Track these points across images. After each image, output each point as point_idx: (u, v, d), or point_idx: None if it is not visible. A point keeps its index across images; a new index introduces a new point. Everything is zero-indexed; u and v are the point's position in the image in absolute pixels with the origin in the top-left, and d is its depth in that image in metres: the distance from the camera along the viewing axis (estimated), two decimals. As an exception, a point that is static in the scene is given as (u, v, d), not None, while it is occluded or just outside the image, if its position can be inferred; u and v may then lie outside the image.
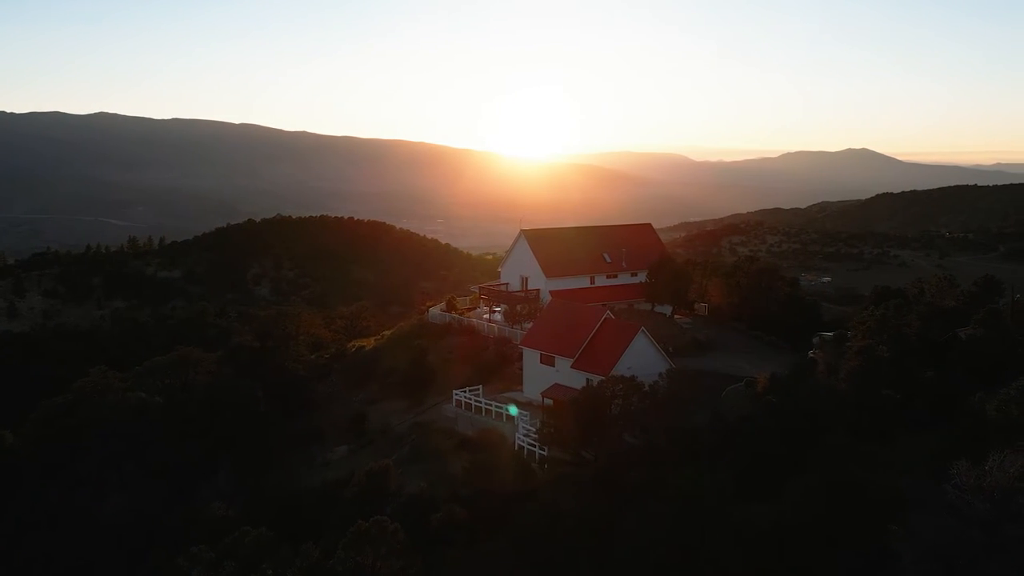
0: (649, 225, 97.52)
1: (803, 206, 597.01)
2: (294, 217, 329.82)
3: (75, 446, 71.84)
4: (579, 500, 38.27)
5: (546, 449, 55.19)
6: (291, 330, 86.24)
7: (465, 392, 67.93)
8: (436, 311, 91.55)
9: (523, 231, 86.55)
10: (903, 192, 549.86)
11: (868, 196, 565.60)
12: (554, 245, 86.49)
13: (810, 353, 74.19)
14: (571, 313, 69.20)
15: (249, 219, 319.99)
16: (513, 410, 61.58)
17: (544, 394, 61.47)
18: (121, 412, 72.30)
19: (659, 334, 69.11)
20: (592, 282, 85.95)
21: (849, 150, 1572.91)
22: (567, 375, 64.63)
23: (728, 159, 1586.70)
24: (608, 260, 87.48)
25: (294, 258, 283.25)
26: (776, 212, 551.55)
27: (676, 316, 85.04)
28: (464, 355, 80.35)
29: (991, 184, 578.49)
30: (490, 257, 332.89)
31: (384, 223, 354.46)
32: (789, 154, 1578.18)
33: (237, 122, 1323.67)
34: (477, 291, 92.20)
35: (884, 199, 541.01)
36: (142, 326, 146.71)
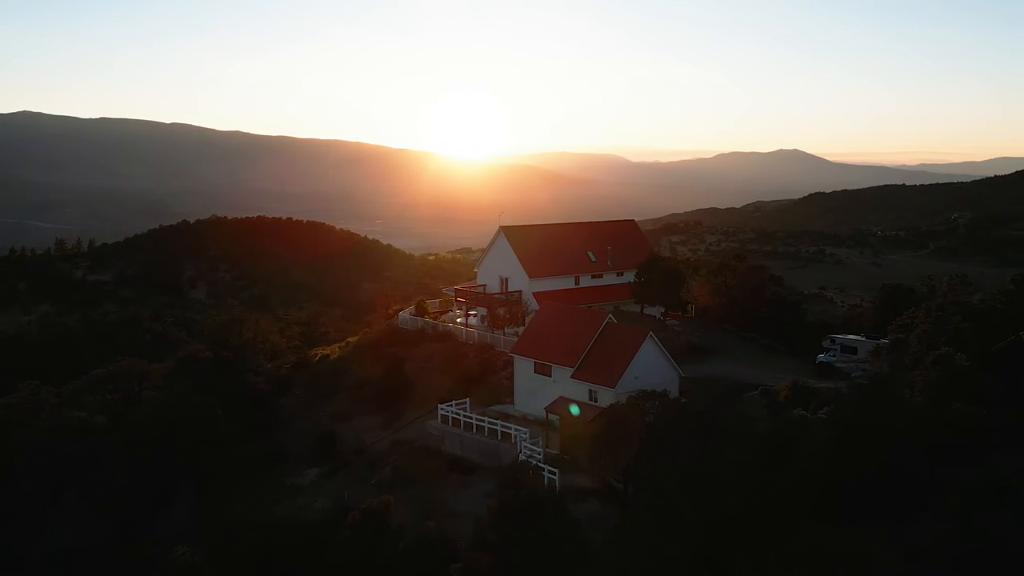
0: (633, 222, 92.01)
1: (738, 206, 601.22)
2: (230, 218, 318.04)
3: (4, 473, 63.29)
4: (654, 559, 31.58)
5: (557, 473, 49.00)
6: (247, 338, 78.10)
7: (452, 407, 61.23)
8: (406, 315, 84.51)
9: (502, 228, 80.00)
10: (835, 191, 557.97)
11: (801, 196, 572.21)
12: (536, 243, 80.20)
13: (819, 357, 69.48)
14: (567, 317, 63.04)
15: (183, 220, 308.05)
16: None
17: (549, 409, 55.05)
18: (58, 433, 63.70)
19: (655, 338, 63.45)
20: (577, 283, 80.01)
21: (780, 151, 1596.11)
22: (567, 386, 58.48)
23: (664, 160, 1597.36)
24: (593, 259, 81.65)
25: (231, 260, 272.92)
26: (713, 212, 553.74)
27: (668, 319, 79.65)
28: (442, 364, 73.59)
29: (917, 183, 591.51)
30: (432, 258, 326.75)
31: (324, 224, 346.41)
32: (723, 155, 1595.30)
33: (168, 121, 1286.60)
34: (452, 294, 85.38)
35: (817, 198, 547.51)
36: (72, 332, 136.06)
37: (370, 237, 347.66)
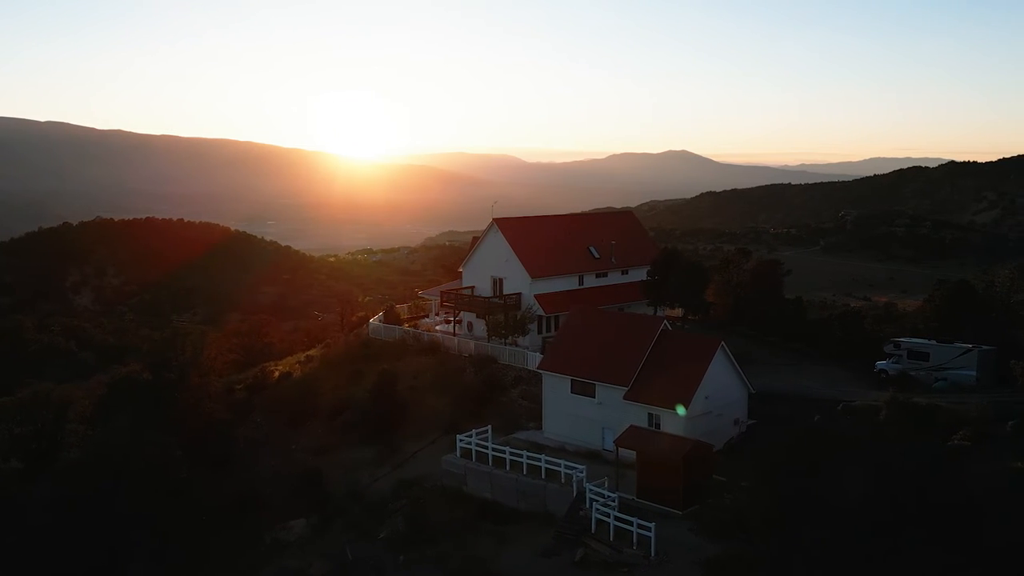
0: (631, 214, 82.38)
1: (633, 205, 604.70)
2: (116, 220, 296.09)
3: None
4: None
5: (652, 529, 38.06)
6: (191, 355, 64.08)
7: (473, 437, 49.70)
8: (378, 324, 72.37)
9: (496, 221, 68.52)
10: (725, 191, 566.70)
11: (692, 195, 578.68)
12: (534, 239, 69.25)
13: (879, 364, 61.02)
14: (609, 324, 52.43)
15: (64, 222, 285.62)
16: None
17: (620, 443, 44.04)
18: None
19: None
20: (581, 282, 69.53)
21: (670, 151, 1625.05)
22: (617, 409, 48.07)
23: (558, 160, 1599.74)
24: (597, 256, 71.34)
25: (118, 264, 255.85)
26: (609, 211, 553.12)
27: (687, 322, 70.12)
28: (434, 382, 62.08)
29: (798, 183, 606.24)
30: (332, 259, 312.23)
31: (218, 225, 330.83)
32: (615, 155, 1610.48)
33: (42, 120, 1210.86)
34: (432, 297, 73.58)
35: (708, 197, 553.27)
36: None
37: (266, 238, 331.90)
